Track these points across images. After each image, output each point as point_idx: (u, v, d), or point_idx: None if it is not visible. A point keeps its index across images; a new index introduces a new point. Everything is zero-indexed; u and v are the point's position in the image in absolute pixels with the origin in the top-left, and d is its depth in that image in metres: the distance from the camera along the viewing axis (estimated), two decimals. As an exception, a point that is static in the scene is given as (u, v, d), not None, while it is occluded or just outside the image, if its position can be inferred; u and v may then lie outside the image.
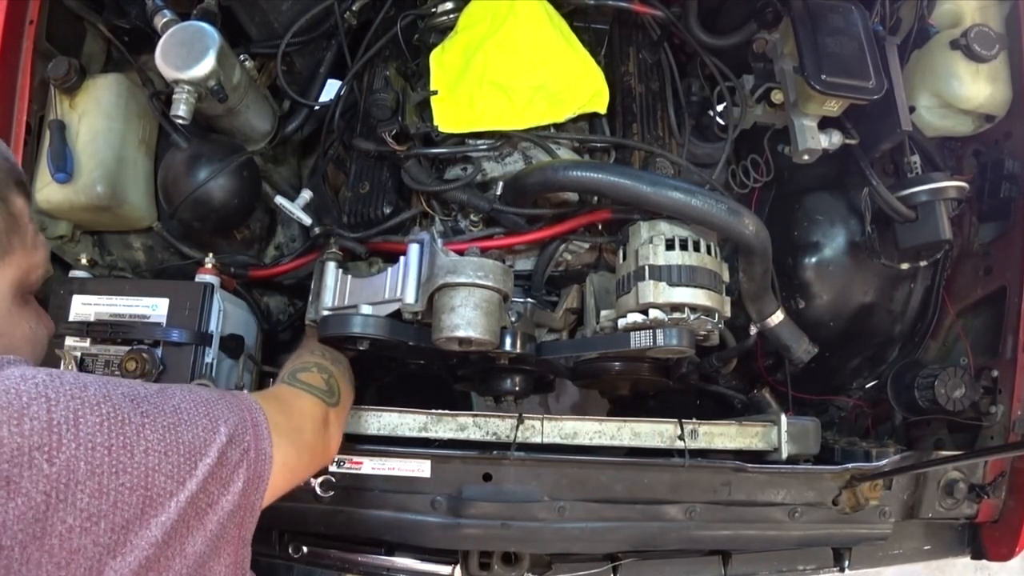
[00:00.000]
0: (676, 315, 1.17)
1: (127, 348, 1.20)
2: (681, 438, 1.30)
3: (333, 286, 1.27)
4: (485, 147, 1.36)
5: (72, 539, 0.61)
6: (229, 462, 0.75)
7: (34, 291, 0.87)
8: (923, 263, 1.56)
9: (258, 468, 0.79)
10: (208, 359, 1.27)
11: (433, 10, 1.48)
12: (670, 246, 1.20)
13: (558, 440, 1.29)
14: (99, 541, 0.63)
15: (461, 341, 1.15)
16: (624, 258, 1.26)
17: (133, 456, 0.66)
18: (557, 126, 1.40)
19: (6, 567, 0.58)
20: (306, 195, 1.48)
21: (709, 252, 1.21)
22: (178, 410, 0.74)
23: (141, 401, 0.71)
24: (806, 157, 1.40)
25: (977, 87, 1.41)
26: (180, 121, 1.29)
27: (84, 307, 1.23)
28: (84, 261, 1.41)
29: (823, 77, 1.27)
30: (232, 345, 1.33)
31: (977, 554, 1.51)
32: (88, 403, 0.65)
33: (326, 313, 1.25)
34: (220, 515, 0.73)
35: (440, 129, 1.34)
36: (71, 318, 1.22)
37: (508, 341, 1.23)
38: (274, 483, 0.82)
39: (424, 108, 1.38)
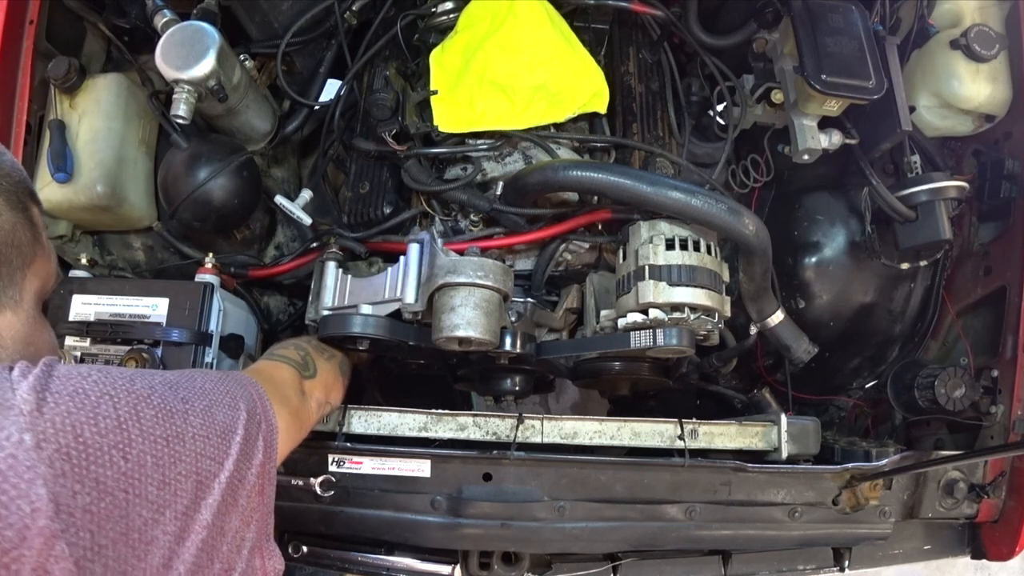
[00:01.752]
0: (676, 315, 1.17)
1: (127, 348, 1.20)
2: (681, 438, 1.30)
3: (333, 286, 1.27)
4: (485, 147, 1.36)
5: (147, 531, 0.63)
6: (251, 437, 0.78)
7: (47, 298, 0.89)
8: (923, 263, 1.56)
9: (270, 438, 0.82)
10: (208, 359, 1.27)
11: (433, 10, 1.48)
12: (670, 246, 1.20)
13: (558, 440, 1.29)
14: (167, 530, 0.65)
15: (461, 341, 1.15)
16: (624, 258, 1.26)
17: (184, 444, 0.68)
18: (557, 126, 1.40)
19: (104, 565, 0.59)
20: (306, 195, 1.48)
21: (709, 252, 1.21)
22: (206, 392, 0.76)
23: (177, 387, 0.73)
24: (806, 157, 1.40)
25: (977, 87, 1.41)
26: (180, 121, 1.29)
27: (84, 307, 1.23)
28: (84, 261, 1.41)
29: (823, 77, 1.27)
30: (232, 345, 1.33)
31: (977, 554, 1.51)
32: (141, 396, 0.67)
33: (326, 313, 1.25)
34: (248, 489, 0.75)
35: (440, 129, 1.34)
36: (71, 318, 1.22)
37: (508, 341, 1.23)
38: (280, 450, 0.85)
39: (424, 108, 1.38)
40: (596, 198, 1.37)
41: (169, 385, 0.73)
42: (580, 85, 1.38)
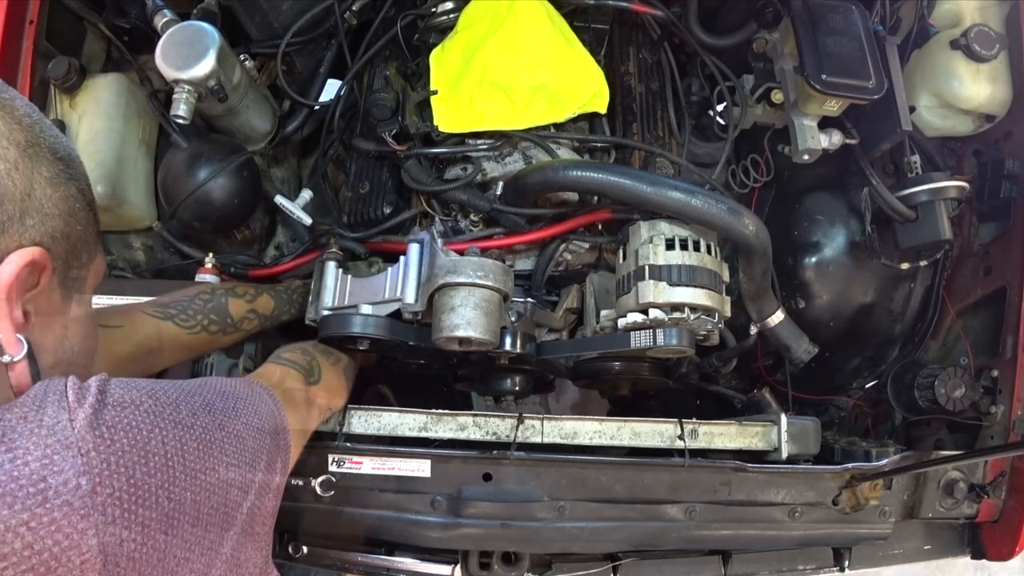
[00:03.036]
0: (676, 315, 1.17)
1: (127, 348, 1.20)
2: (681, 438, 1.30)
3: (333, 286, 1.28)
4: (485, 147, 1.36)
5: (178, 571, 0.61)
6: (272, 461, 0.76)
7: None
8: (923, 263, 1.56)
9: (285, 457, 0.81)
10: (208, 359, 1.27)
11: (433, 10, 1.48)
12: (670, 246, 1.20)
13: (558, 440, 1.28)
14: (195, 568, 0.63)
15: (461, 341, 1.15)
16: (624, 258, 1.26)
17: (218, 475, 0.66)
18: (557, 126, 1.40)
19: None
20: (306, 195, 1.48)
21: (709, 252, 1.21)
22: (238, 414, 0.74)
23: (214, 411, 0.71)
24: (806, 157, 1.40)
25: (977, 87, 1.41)
26: (180, 121, 1.29)
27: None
28: (84, 261, 1.40)
29: (823, 77, 1.27)
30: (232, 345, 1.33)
31: (977, 554, 1.51)
32: (186, 426, 0.65)
33: (326, 313, 1.25)
34: (264, 515, 0.73)
35: (440, 129, 1.34)
36: (71, 318, 1.22)
37: (508, 341, 1.23)
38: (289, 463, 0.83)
39: (424, 108, 1.38)
40: (596, 198, 1.37)
41: (208, 409, 0.70)
42: (580, 85, 1.38)
